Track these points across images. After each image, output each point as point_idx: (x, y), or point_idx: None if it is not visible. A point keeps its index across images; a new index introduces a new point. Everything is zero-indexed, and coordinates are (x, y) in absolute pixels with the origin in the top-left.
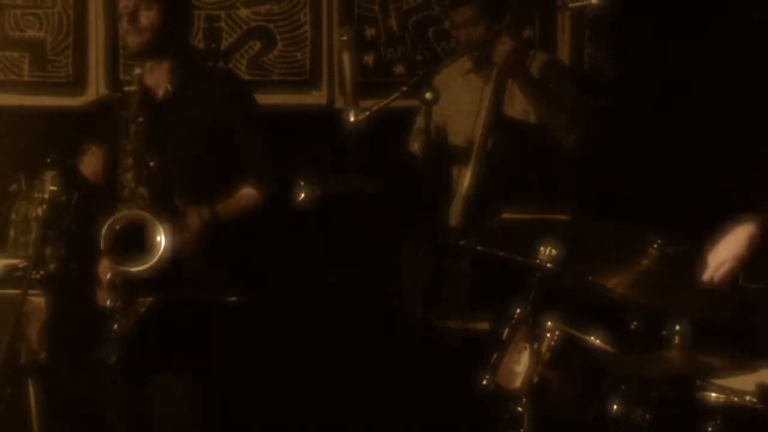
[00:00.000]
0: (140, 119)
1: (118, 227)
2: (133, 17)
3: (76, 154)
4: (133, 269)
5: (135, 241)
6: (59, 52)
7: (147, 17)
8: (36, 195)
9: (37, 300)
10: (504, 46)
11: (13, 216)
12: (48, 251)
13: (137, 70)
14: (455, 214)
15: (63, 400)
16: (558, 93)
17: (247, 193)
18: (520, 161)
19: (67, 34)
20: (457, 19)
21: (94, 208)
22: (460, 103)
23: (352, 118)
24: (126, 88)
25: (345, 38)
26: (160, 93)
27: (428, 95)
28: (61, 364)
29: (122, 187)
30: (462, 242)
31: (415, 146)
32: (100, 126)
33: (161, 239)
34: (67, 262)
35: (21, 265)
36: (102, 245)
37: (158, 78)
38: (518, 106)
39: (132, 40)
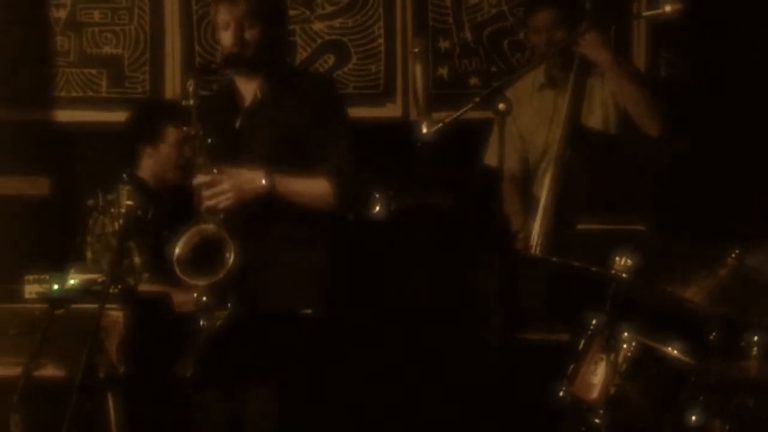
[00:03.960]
0: (201, 132)
1: (192, 243)
2: (238, 32)
3: (131, 164)
4: (201, 283)
5: (206, 255)
6: (136, 68)
7: (250, 33)
8: (112, 210)
9: (116, 314)
10: (591, 35)
11: (91, 231)
12: (126, 265)
13: (190, 83)
14: (533, 225)
15: (142, 414)
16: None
17: (319, 182)
18: (597, 172)
19: (143, 51)
20: (536, 24)
21: (169, 221)
22: (534, 117)
23: (424, 130)
24: (184, 103)
25: (417, 50)
26: (249, 99)
27: (501, 106)
28: (139, 378)
29: (198, 203)
30: (538, 253)
31: (491, 158)
32: (150, 129)
33: (230, 255)
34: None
35: (99, 280)
36: (176, 260)
37: (249, 86)
38: (598, 115)
39: (232, 52)
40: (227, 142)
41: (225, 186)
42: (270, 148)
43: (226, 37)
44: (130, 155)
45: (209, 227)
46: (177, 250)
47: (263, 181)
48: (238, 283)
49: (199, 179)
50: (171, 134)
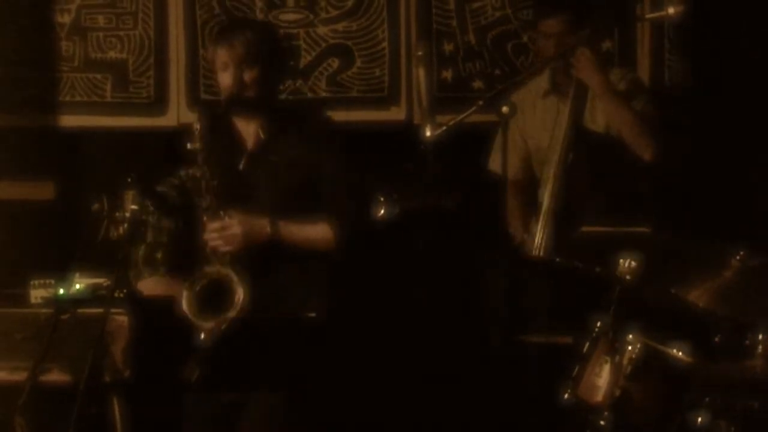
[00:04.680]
0: (207, 174)
1: (199, 286)
2: (237, 74)
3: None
4: (212, 325)
5: (214, 297)
6: (141, 73)
7: (249, 75)
8: (117, 215)
9: (121, 318)
10: (583, 55)
11: (99, 235)
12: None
13: (197, 126)
14: (537, 228)
15: (147, 417)
16: (636, 107)
17: (320, 227)
18: (600, 175)
19: (148, 56)
20: (547, 30)
21: (174, 226)
22: (538, 123)
23: (428, 133)
24: (189, 146)
25: (420, 53)
26: (251, 140)
27: (505, 109)
28: (144, 382)
29: (204, 246)
30: (542, 256)
31: (494, 163)
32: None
33: (240, 297)
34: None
35: (105, 284)
36: (185, 304)
37: (249, 126)
38: (600, 121)
39: (231, 94)
40: (231, 184)
41: (236, 231)
42: (274, 192)
43: (225, 79)
44: (149, 162)
45: (217, 269)
46: (185, 295)
47: (268, 229)
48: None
49: (212, 225)
50: None
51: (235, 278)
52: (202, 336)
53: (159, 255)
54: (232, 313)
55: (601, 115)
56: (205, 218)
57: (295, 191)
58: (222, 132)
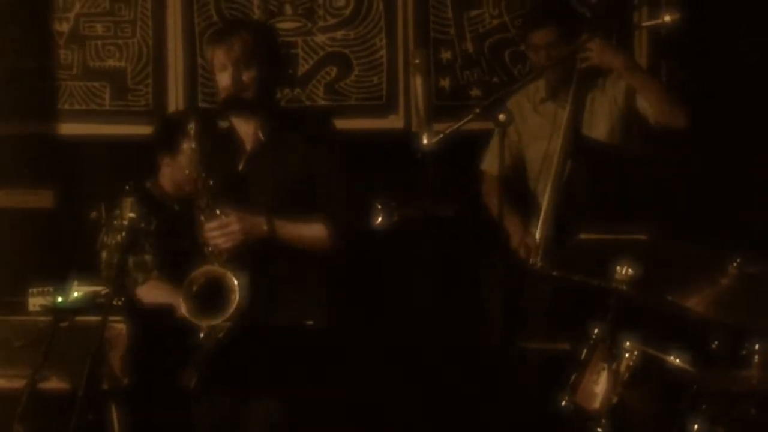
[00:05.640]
0: (203, 174)
1: (197, 285)
2: (235, 74)
3: (153, 175)
4: (209, 323)
5: (212, 295)
6: (139, 81)
7: (248, 75)
8: (115, 222)
9: (119, 326)
10: (596, 44)
11: (99, 243)
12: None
13: (191, 126)
14: (535, 234)
15: (145, 425)
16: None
17: (316, 226)
18: (598, 182)
19: (146, 64)
20: (535, 42)
21: (173, 233)
22: (535, 130)
23: (425, 141)
24: (185, 146)
25: (417, 61)
26: (250, 141)
27: (502, 116)
28: (143, 390)
29: (204, 245)
30: (539, 265)
31: (488, 164)
32: (169, 140)
33: (236, 296)
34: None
35: (103, 292)
36: (183, 305)
37: (248, 127)
38: (603, 127)
39: (229, 94)
40: (230, 184)
41: (235, 227)
42: (273, 192)
43: (224, 79)
44: (152, 165)
45: (213, 268)
46: (183, 295)
47: (264, 227)
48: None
49: (209, 223)
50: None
51: (231, 276)
52: (202, 336)
53: (149, 258)
54: (229, 311)
55: (604, 122)
56: (202, 218)
57: (293, 192)
58: (221, 132)
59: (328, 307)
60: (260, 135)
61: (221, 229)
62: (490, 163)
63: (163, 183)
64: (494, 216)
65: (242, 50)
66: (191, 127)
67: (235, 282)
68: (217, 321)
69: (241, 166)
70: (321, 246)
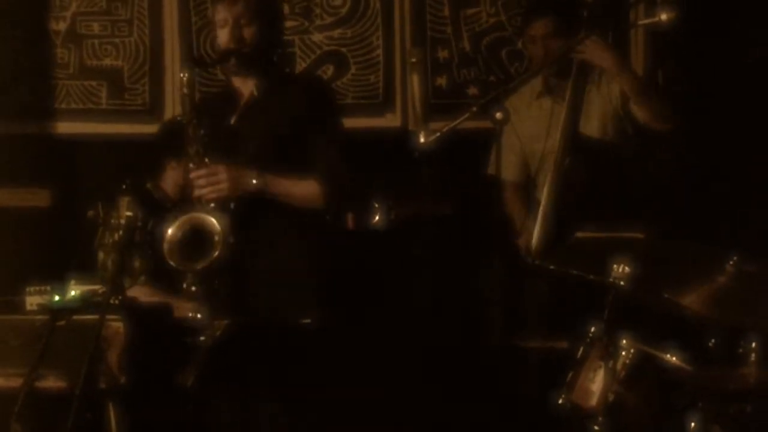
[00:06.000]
0: (194, 121)
1: (181, 232)
2: (235, 30)
3: (155, 176)
4: (188, 268)
5: (195, 243)
6: (136, 80)
7: (248, 32)
8: (112, 221)
9: (116, 325)
10: (591, 41)
11: (96, 242)
12: (126, 275)
13: (184, 73)
14: (533, 233)
15: (143, 424)
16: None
17: (308, 183)
18: (596, 179)
19: (143, 63)
20: (533, 33)
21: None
22: (532, 125)
23: (421, 139)
24: (182, 92)
25: (414, 60)
26: (245, 96)
27: (498, 115)
28: (140, 389)
29: (191, 191)
30: (537, 262)
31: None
32: (175, 143)
33: (218, 245)
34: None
35: (100, 291)
36: (167, 250)
37: (246, 84)
38: (595, 123)
39: (229, 47)
40: (221, 138)
41: (221, 176)
42: (263, 147)
43: (224, 35)
44: (144, 169)
45: (200, 216)
46: (167, 234)
47: (254, 180)
48: (236, 292)
49: (197, 171)
50: None
51: (212, 220)
52: (202, 338)
53: (137, 264)
54: (214, 253)
55: (597, 118)
56: (190, 165)
57: (286, 148)
58: (221, 88)
59: (325, 305)
60: (255, 92)
61: (208, 177)
62: (508, 170)
63: (165, 186)
64: (517, 226)
65: (244, 7)
66: (184, 73)
67: (216, 224)
68: (204, 264)
69: (233, 121)
70: (313, 204)
